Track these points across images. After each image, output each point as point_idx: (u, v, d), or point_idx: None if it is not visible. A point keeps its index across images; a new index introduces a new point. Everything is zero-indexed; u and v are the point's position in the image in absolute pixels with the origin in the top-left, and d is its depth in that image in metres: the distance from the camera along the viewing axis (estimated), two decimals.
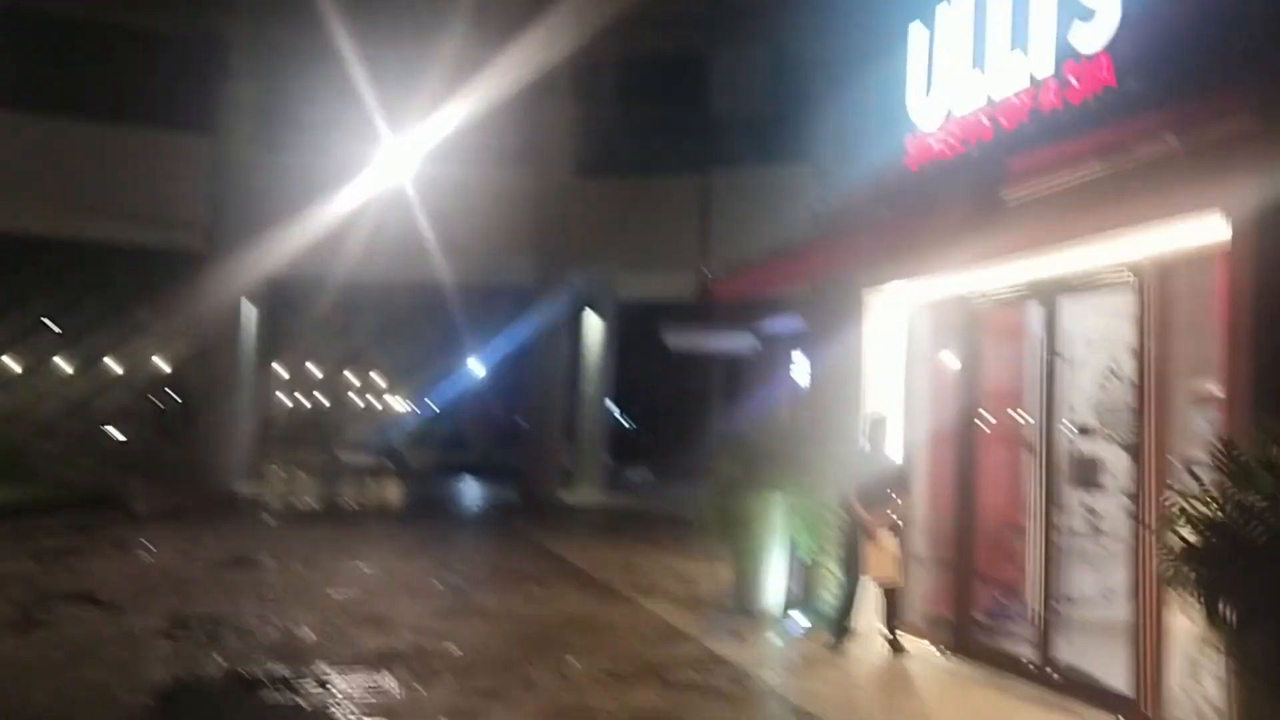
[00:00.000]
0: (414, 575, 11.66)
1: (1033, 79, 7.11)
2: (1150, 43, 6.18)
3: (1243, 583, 4.10)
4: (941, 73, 8.15)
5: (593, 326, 26.70)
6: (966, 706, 6.85)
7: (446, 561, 12.81)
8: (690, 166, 23.13)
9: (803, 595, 10.00)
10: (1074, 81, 6.69)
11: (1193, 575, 4.33)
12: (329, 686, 6.80)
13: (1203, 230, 5.91)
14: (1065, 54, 6.81)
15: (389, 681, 6.93)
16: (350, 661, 7.43)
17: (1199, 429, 6.34)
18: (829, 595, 9.67)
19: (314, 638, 8.22)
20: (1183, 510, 4.53)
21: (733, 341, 35.90)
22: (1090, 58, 6.57)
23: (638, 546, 14.74)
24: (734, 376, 39.35)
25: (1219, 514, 4.30)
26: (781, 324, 29.06)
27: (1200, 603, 4.33)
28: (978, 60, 7.68)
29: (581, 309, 26.08)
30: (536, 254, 23.01)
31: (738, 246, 21.78)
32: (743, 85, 23.71)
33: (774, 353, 30.91)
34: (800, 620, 9.47)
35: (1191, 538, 4.41)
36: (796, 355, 29.18)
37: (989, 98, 7.57)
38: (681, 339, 36.28)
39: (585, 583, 11.45)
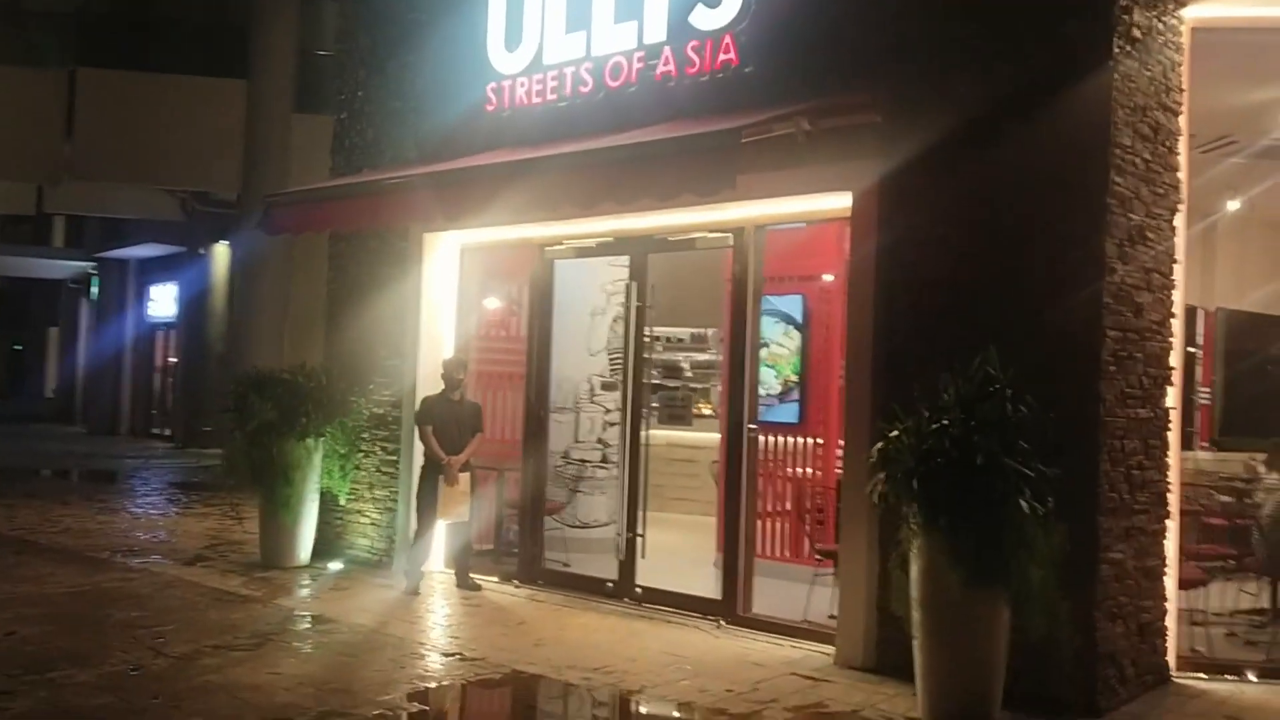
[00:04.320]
0: None
1: (643, 43, 7.62)
2: (772, 33, 7.04)
3: (958, 493, 5.17)
4: (531, 24, 8.28)
5: None
6: (578, 627, 7.27)
7: None
8: (50, 60, 19.76)
9: (335, 545, 9.55)
10: (694, 56, 7.34)
11: (914, 492, 5.30)
12: None
13: (808, 201, 7.03)
14: (681, 28, 7.42)
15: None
16: None
17: None
18: (365, 541, 9.43)
19: None
20: (891, 442, 5.48)
21: (56, 267, 31.51)
22: (712, 35, 7.26)
23: (41, 503, 12.57)
24: (54, 306, 34.35)
25: (928, 443, 5.31)
26: (136, 250, 26.34)
27: (918, 514, 5.32)
28: (580, 20, 7.96)
29: None
30: None
31: (120, 161, 19.40)
32: None
33: (121, 281, 27.86)
34: (334, 570, 9.09)
35: (901, 463, 5.38)
36: (158, 286, 26.63)
37: (589, 52, 7.93)
38: None
39: (39, 550, 9.58)
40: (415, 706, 5.61)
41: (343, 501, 9.37)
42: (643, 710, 5.76)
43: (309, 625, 7.19)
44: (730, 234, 7.56)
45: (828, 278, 8.99)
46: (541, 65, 8.24)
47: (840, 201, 6.77)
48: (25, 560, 9.02)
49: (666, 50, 7.47)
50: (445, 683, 6.02)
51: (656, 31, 7.54)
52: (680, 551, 8.86)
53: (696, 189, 5.85)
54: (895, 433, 5.44)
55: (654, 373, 9.97)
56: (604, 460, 10.20)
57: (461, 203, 7.47)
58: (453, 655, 6.47)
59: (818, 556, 7.69)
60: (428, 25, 9.25)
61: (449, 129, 8.90)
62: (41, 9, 22.82)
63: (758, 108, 6.76)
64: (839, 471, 8.72)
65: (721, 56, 7.23)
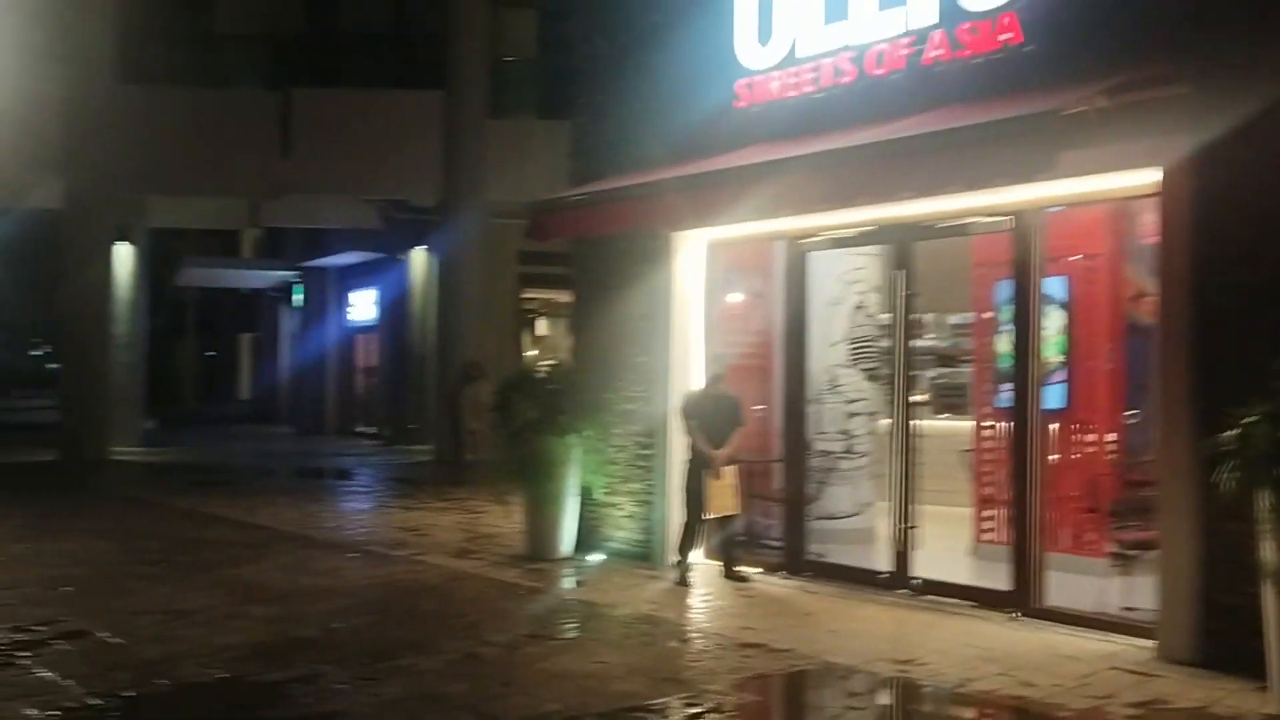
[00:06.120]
0: (111, 567, 9.14)
1: (910, 28, 7.52)
2: (1056, 9, 6.84)
3: None
4: (784, 19, 8.28)
5: (123, 257, 23.05)
6: (866, 619, 7.26)
7: (126, 541, 10.26)
8: (266, 83, 21.00)
9: (591, 538, 9.79)
10: (968, 38, 7.19)
11: (1274, 479, 5.09)
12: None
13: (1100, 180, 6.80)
14: (953, 11, 7.29)
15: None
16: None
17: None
18: (622, 533, 9.63)
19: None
20: (1247, 428, 5.26)
21: (259, 277, 33.26)
22: (989, 15, 7.10)
23: (291, 500, 13.33)
24: (247, 314, 36.39)
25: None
26: (337, 258, 27.56)
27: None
28: (839, 10, 7.91)
29: (114, 236, 22.36)
30: (68, 170, 19.47)
31: (331, 174, 20.38)
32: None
33: (322, 288, 29.22)
34: (596, 562, 9.34)
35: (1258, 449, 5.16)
36: (357, 292, 27.74)
37: (848, 43, 7.88)
38: (198, 274, 32.77)
39: (318, 544, 10.17)
40: (749, 698, 5.71)
41: (598, 496, 9.61)
42: (976, 705, 5.68)
43: (605, 616, 7.38)
44: (1009, 217, 7.39)
45: (1090, 258, 8.69)
46: (795, 58, 8.23)
47: (1139, 179, 6.54)
48: (311, 554, 9.60)
49: (938, 34, 7.36)
50: (765, 674, 6.09)
51: (926, 16, 7.42)
52: (929, 541, 8.70)
53: (1012, 172, 5.75)
54: (1253, 418, 5.21)
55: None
56: (848, 451, 10.14)
57: (731, 200, 7.53)
58: (758, 645, 6.54)
59: (1120, 550, 7.44)
60: (668, 27, 9.35)
61: (695, 127, 8.98)
62: (238, 31, 24.13)
63: (1038, 88, 6.59)
64: (1110, 458, 8.48)
65: (1001, 36, 7.06)
